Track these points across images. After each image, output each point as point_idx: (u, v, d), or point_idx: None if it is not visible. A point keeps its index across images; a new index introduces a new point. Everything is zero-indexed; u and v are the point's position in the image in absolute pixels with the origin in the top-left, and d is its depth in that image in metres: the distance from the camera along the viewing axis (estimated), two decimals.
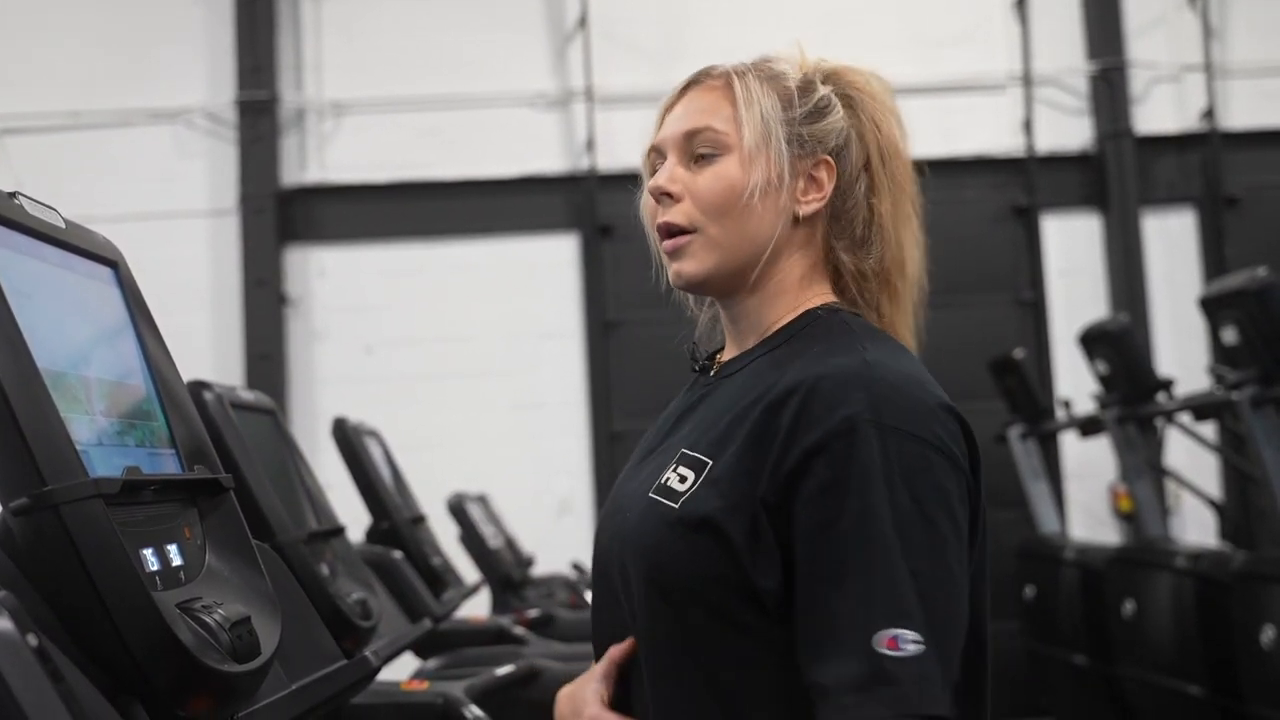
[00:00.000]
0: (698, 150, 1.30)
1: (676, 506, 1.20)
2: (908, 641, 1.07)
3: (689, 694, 1.19)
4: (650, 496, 1.23)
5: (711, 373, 1.37)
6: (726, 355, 1.37)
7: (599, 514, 1.40)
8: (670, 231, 1.31)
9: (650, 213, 1.35)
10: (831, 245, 1.32)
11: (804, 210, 1.29)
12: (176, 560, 1.07)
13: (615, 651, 1.26)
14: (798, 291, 1.31)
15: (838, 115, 1.31)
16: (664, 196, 1.31)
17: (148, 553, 1.03)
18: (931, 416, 1.16)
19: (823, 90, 1.32)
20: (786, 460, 1.15)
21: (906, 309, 1.35)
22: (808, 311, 1.30)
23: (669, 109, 1.35)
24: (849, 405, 1.14)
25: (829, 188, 1.30)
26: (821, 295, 1.32)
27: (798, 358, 1.23)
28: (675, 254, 1.31)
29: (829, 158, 1.30)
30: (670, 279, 1.34)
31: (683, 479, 1.21)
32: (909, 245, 1.34)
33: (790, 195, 1.29)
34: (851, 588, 1.09)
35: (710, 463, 1.21)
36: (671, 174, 1.31)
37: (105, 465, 1.04)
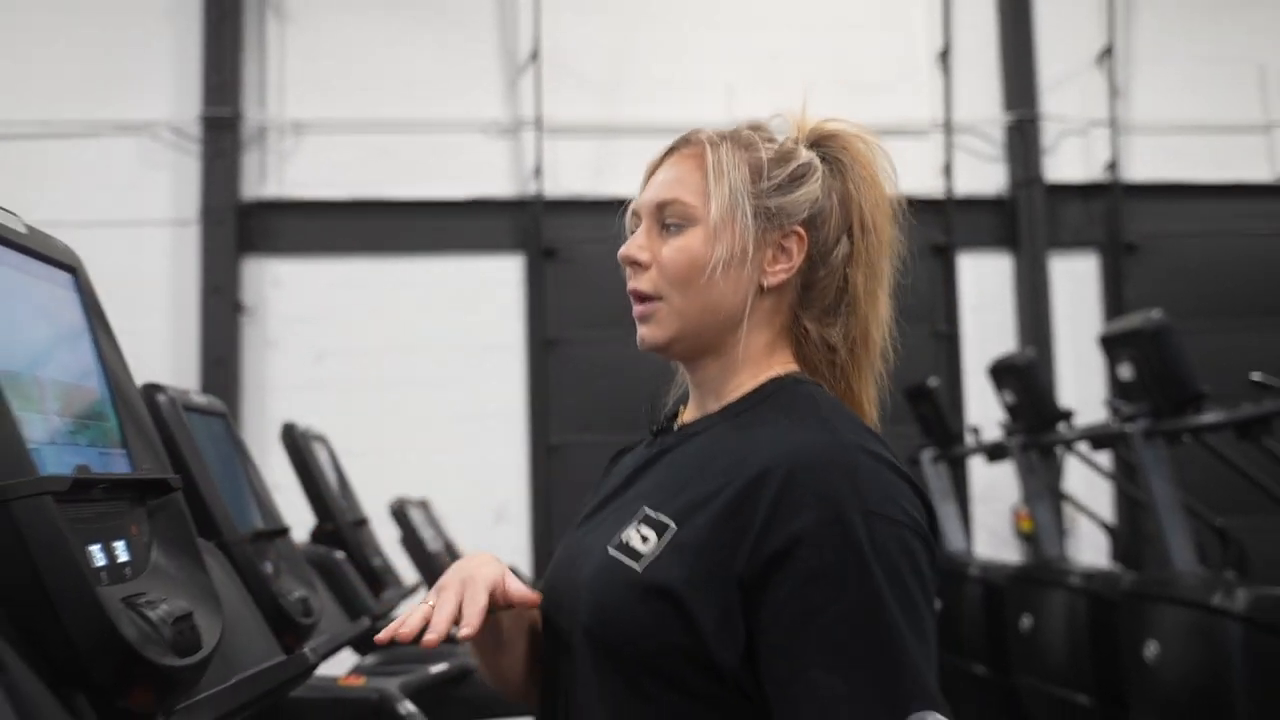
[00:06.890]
0: (667, 220, 1.26)
1: (639, 570, 1.13)
2: None
3: None
4: (609, 553, 1.16)
5: (675, 429, 1.30)
6: (688, 415, 1.31)
7: (555, 551, 1.33)
8: (638, 297, 1.27)
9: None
10: (798, 313, 1.27)
11: (770, 281, 1.24)
12: (123, 556, 1.05)
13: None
14: (761, 359, 1.26)
15: (814, 185, 1.26)
16: (633, 264, 1.28)
17: (95, 549, 1.01)
18: (905, 498, 1.12)
19: (803, 157, 1.27)
20: (769, 542, 1.08)
21: (868, 380, 1.30)
22: (772, 379, 1.25)
23: (652, 172, 1.30)
24: (833, 490, 1.09)
25: (798, 259, 1.25)
26: (784, 363, 1.27)
27: (762, 427, 1.18)
28: (642, 319, 1.27)
29: (800, 229, 1.24)
30: (637, 342, 1.29)
31: (644, 539, 1.15)
32: (877, 318, 1.30)
33: (756, 266, 1.23)
34: (862, 673, 1.04)
35: (674, 527, 1.14)
36: (640, 242, 1.27)
37: (56, 463, 1.02)
